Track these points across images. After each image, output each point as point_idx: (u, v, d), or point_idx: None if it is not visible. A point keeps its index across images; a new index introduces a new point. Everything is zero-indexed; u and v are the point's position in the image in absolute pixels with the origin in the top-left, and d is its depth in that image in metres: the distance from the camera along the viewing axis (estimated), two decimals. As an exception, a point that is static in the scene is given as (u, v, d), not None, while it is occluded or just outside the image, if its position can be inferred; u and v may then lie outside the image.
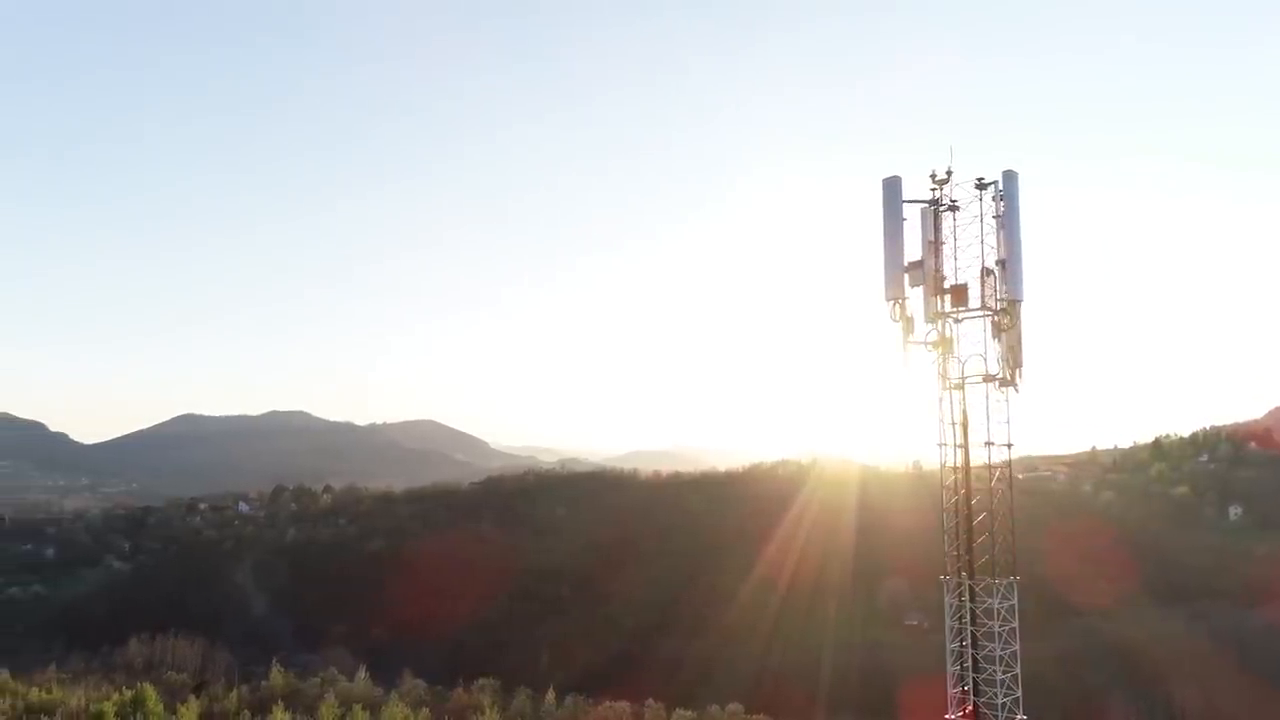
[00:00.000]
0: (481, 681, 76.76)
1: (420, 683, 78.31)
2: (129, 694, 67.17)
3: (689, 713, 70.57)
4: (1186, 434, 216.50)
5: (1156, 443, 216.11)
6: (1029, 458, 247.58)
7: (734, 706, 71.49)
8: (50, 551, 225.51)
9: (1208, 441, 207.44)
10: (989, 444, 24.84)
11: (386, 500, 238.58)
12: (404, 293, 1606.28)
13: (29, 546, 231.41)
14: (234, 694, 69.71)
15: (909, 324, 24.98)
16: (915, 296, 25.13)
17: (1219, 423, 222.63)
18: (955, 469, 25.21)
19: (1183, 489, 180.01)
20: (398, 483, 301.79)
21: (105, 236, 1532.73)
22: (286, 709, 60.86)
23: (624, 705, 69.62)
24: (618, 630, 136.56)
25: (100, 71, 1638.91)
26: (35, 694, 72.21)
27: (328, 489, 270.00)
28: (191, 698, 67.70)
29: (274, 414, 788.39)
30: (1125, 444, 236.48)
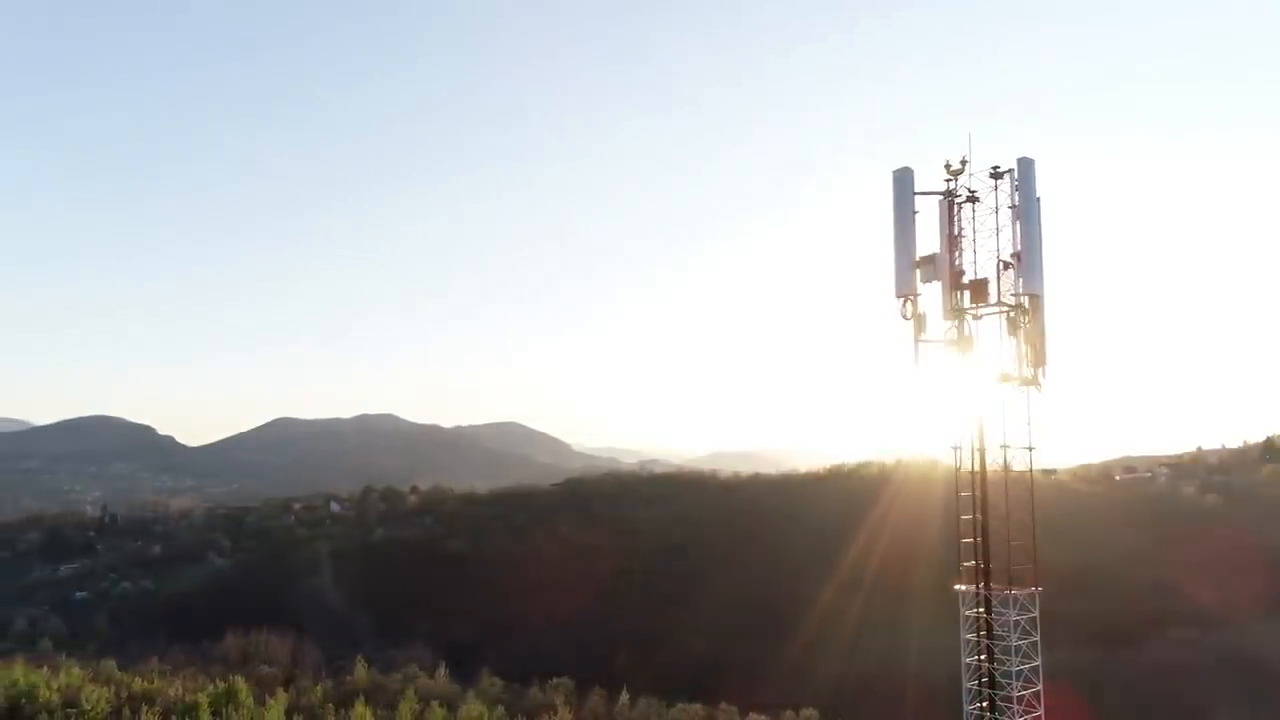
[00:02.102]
0: (555, 681, 77.34)
1: (497, 680, 79.53)
2: (222, 686, 69.83)
3: (762, 717, 69.64)
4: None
5: (1268, 442, 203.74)
6: (1128, 458, 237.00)
7: (809, 712, 70.21)
8: (157, 548, 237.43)
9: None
10: (1004, 446, 23.75)
11: (469, 501, 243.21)
12: (487, 299, 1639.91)
13: (139, 543, 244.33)
14: (319, 688, 71.90)
15: (920, 322, 23.87)
16: (930, 293, 24.03)
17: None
18: (973, 473, 24.26)
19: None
20: (482, 483, 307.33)
21: (208, 252, 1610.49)
22: (368, 703, 62.48)
23: (697, 708, 69.11)
24: (697, 632, 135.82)
25: (203, 78, 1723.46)
26: (138, 684, 75.57)
27: (414, 489, 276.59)
28: (280, 690, 70.07)
29: (364, 417, 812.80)
30: (1234, 444, 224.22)
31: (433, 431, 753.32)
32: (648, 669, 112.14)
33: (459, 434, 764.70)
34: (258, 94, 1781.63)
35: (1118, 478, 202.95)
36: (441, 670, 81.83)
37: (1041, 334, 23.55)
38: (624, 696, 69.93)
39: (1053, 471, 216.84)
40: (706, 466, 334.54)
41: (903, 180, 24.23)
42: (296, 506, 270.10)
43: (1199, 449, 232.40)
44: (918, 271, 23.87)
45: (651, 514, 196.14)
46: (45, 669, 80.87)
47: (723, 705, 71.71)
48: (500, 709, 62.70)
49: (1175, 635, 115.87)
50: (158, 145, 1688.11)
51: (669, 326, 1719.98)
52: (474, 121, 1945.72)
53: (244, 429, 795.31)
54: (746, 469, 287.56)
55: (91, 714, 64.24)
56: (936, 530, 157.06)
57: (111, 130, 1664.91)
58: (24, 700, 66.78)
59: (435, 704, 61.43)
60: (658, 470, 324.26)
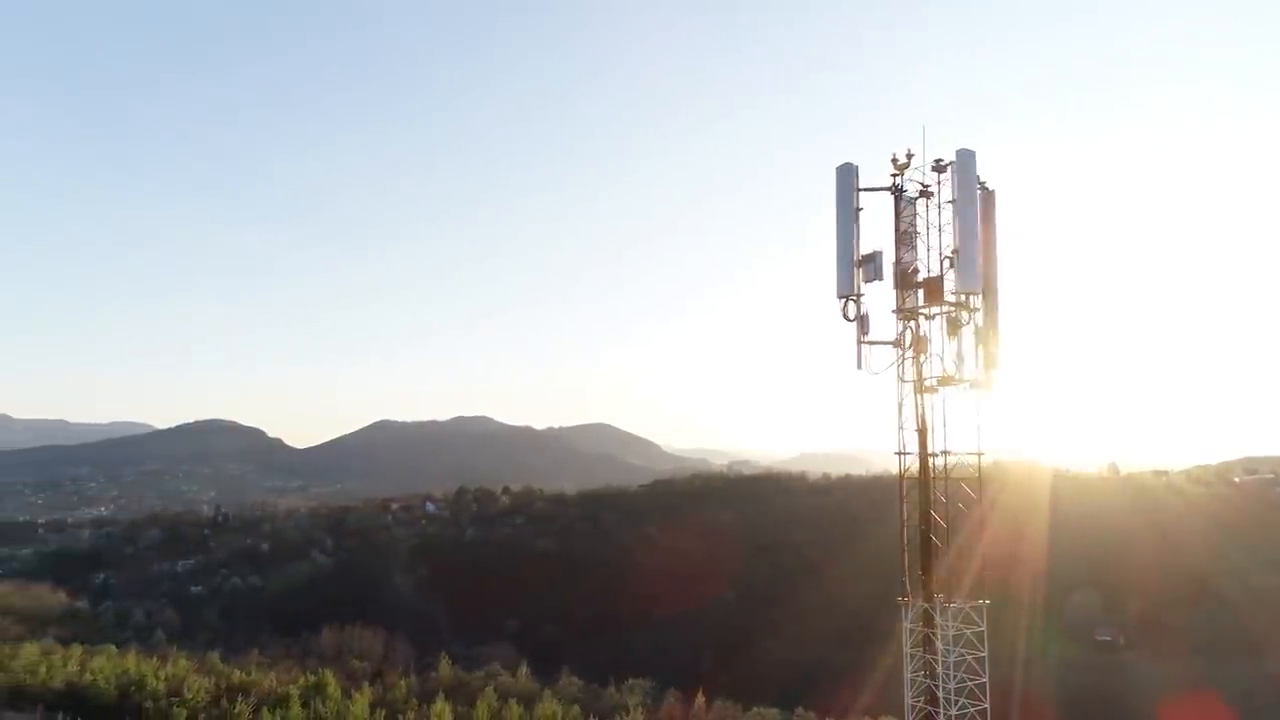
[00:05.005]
0: (632, 682, 77.26)
1: (576, 680, 79.91)
2: (313, 679, 71.99)
3: (840, 723, 67.88)
4: None
5: None
6: (1250, 459, 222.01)
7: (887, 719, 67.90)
8: (265, 546, 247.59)
9: None
10: (945, 452, 22.51)
11: (558, 501, 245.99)
12: (579, 301, 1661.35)
13: (248, 541, 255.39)
14: (404, 683, 73.50)
15: (864, 323, 22.83)
16: (875, 292, 23.12)
17: None
18: (919, 479, 23.09)
19: None
20: (572, 484, 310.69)
21: (311, 265, 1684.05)
22: (448, 699, 63.44)
23: (774, 712, 67.92)
24: (784, 637, 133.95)
25: (305, 101, 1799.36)
26: (237, 676, 78.54)
27: (506, 490, 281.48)
28: (366, 685, 71.92)
29: (460, 419, 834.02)
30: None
31: (525, 433, 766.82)
32: (732, 672, 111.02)
33: (551, 435, 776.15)
34: (352, 115, 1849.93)
35: (1237, 480, 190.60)
36: (523, 669, 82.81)
37: (995, 334, 22.29)
38: (699, 698, 69.24)
39: (1165, 473, 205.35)
40: (796, 467, 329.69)
41: (845, 176, 23.24)
42: (394, 506, 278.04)
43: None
44: (859, 271, 22.92)
45: (739, 515, 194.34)
46: (155, 659, 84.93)
47: (799, 710, 70.23)
48: (576, 708, 62.88)
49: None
50: (269, 167, 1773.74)
51: (760, 326, 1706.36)
52: (556, 129, 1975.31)
53: (347, 431, 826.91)
54: (837, 470, 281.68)
55: (192, 703, 67.06)
56: (1038, 536, 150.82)
57: (228, 154, 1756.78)
58: (133, 689, 70.45)
59: (513, 702, 61.97)
60: (746, 471, 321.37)
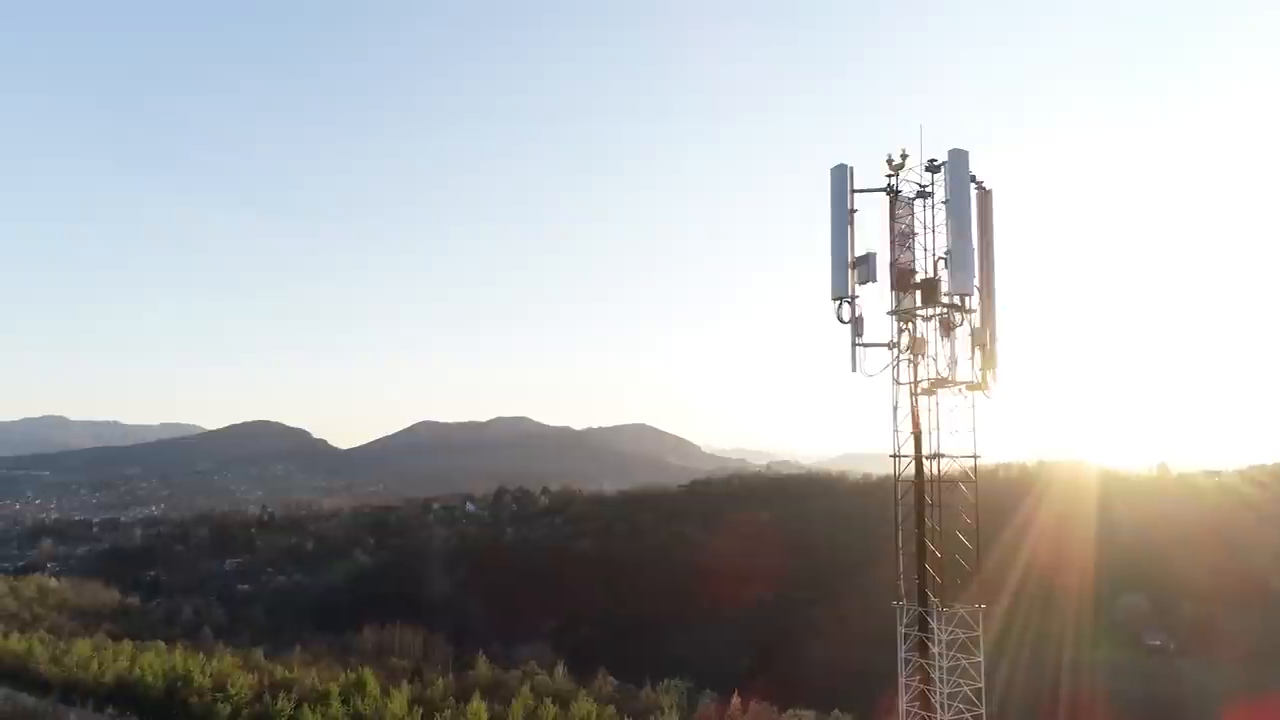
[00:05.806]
0: (667, 682, 77.13)
1: (611, 680, 79.95)
2: (353, 676, 73.09)
3: (878, 728, 66.98)
4: None
5: None
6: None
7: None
8: (310, 545, 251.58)
9: None
10: (939, 455, 21.96)
11: (596, 502, 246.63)
12: (618, 303, 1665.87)
13: (293, 540, 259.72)
14: (441, 682, 74.25)
15: (859, 325, 22.50)
16: (870, 294, 22.80)
17: None
18: (915, 482, 22.63)
19: None
20: (612, 484, 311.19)
21: (357, 271, 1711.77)
22: (484, 698, 64.01)
23: (810, 714, 67.30)
24: (821, 637, 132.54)
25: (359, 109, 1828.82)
26: (280, 672, 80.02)
27: (545, 490, 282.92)
28: (405, 683, 72.77)
29: (500, 420, 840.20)
30: None
31: (565, 433, 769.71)
32: (771, 673, 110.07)
33: (590, 435, 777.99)
34: (392, 123, 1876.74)
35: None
36: (559, 669, 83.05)
37: (991, 335, 21.78)
38: (735, 700, 68.87)
39: (1218, 473, 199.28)
40: (837, 467, 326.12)
41: (840, 177, 22.89)
42: (435, 506, 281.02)
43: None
44: (854, 272, 22.58)
45: (778, 516, 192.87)
46: (202, 656, 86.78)
47: (835, 712, 69.54)
48: (611, 708, 62.93)
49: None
50: (315, 175, 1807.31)
51: (801, 325, 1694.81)
52: (591, 133, 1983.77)
53: (390, 432, 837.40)
54: (880, 470, 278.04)
55: (236, 698, 68.43)
56: (1085, 537, 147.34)
57: (275, 160, 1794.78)
58: (180, 684, 72.16)
59: (549, 701, 62.29)
60: (785, 472, 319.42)
